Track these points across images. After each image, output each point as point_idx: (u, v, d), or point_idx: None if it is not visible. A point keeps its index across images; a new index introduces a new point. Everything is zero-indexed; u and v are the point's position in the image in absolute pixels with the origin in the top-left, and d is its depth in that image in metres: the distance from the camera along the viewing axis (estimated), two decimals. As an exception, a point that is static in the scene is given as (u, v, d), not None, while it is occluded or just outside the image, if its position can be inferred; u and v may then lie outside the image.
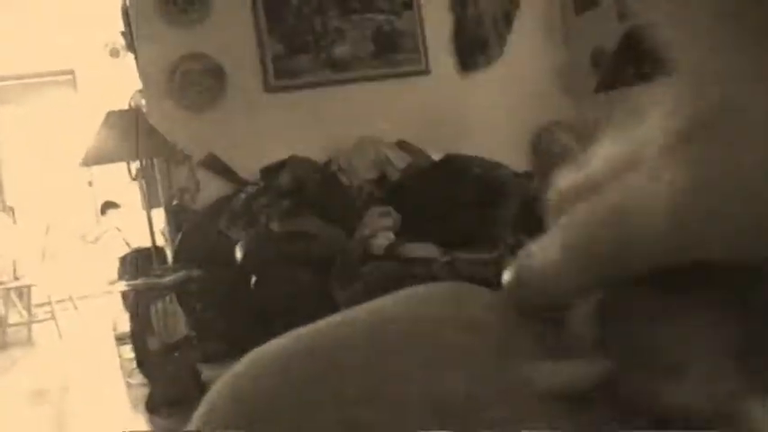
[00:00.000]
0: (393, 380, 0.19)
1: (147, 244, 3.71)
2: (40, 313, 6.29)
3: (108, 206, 6.74)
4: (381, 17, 4.20)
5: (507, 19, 4.33)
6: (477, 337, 0.21)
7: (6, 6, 6.78)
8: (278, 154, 3.79)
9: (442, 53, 4.32)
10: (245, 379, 0.20)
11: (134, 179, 4.44)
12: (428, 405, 0.19)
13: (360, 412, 0.19)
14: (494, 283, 0.24)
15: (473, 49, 4.30)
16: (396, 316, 0.21)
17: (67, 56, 7.38)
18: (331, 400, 0.19)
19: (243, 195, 3.57)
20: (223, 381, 0.21)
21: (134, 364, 3.91)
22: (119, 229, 5.85)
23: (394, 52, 4.22)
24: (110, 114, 3.52)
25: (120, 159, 3.61)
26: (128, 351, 4.19)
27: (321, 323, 0.22)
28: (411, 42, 4.25)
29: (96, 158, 3.45)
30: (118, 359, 4.53)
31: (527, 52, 4.43)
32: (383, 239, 3.21)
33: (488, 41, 4.30)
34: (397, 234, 3.28)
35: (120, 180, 5.39)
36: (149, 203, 3.78)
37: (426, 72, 4.29)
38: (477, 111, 4.29)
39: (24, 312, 6.36)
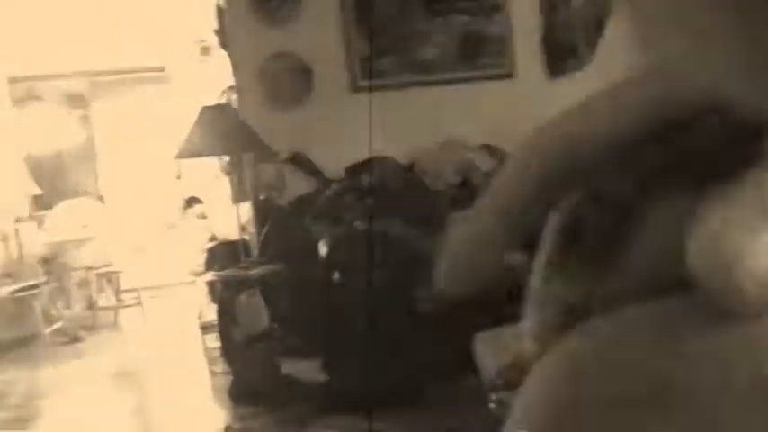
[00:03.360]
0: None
1: (233, 237, 3.82)
2: (127, 299, 6.55)
3: (192, 202, 6.93)
4: (468, 19, 4.19)
5: (598, 23, 4.25)
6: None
7: (100, 3, 7.05)
8: (362, 154, 3.83)
9: (528, 57, 4.27)
10: (559, 383, 0.21)
11: (225, 173, 4.57)
12: None
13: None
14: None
15: (563, 53, 4.24)
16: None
17: (159, 53, 7.61)
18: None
19: (328, 193, 3.63)
20: (535, 381, 0.22)
21: (218, 353, 4.03)
22: (205, 219, 6.02)
23: (479, 55, 4.20)
24: (203, 110, 3.64)
25: (212, 153, 3.72)
26: (212, 340, 4.32)
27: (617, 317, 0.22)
28: (497, 45, 4.22)
29: (189, 152, 3.57)
30: (202, 347, 4.67)
31: (618, 58, 4.33)
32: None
33: (578, 46, 4.24)
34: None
35: (207, 174, 5.54)
36: (237, 198, 3.88)
37: (512, 75, 4.26)
38: (564, 116, 4.23)
39: (112, 297, 6.64)
